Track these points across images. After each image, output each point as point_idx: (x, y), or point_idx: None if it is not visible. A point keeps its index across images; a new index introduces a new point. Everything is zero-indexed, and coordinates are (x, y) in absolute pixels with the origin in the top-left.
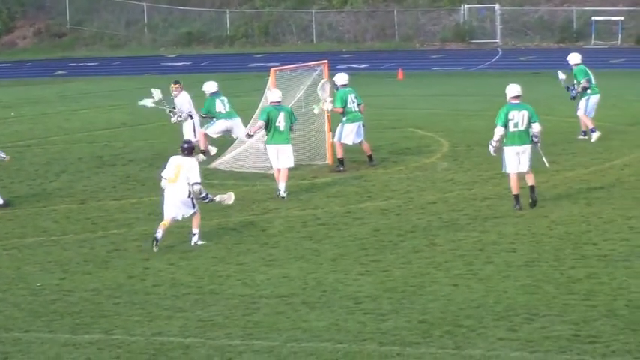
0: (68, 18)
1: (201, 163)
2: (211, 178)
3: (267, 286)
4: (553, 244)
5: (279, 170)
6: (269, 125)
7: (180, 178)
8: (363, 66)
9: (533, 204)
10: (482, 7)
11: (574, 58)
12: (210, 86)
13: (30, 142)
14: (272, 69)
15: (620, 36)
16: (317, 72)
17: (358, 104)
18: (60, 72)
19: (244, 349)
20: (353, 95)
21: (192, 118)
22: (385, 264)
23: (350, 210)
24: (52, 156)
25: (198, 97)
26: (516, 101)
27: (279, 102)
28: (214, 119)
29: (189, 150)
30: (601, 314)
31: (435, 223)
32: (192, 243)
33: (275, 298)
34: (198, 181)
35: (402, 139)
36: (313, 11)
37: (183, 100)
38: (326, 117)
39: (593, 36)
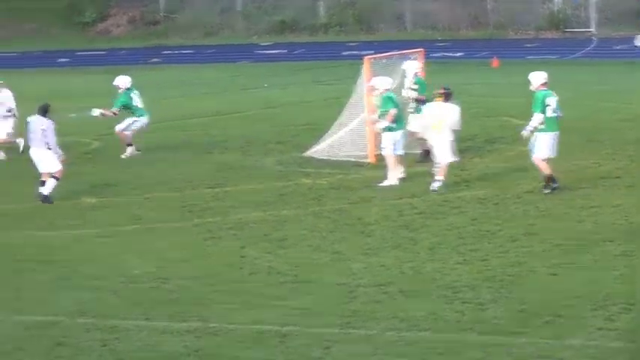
0: (161, 6)
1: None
2: (306, 166)
3: (364, 275)
4: None
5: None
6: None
7: None
8: (458, 54)
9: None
10: None
11: None
12: (124, 81)
13: None
14: (366, 57)
15: None
16: (411, 59)
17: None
18: (154, 60)
19: (342, 338)
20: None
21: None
22: (483, 253)
23: (447, 199)
24: (147, 144)
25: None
26: (545, 88)
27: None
28: (134, 116)
29: None
30: None
31: (532, 212)
32: None
33: (372, 287)
34: None
35: (496, 128)
36: None
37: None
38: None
39: None
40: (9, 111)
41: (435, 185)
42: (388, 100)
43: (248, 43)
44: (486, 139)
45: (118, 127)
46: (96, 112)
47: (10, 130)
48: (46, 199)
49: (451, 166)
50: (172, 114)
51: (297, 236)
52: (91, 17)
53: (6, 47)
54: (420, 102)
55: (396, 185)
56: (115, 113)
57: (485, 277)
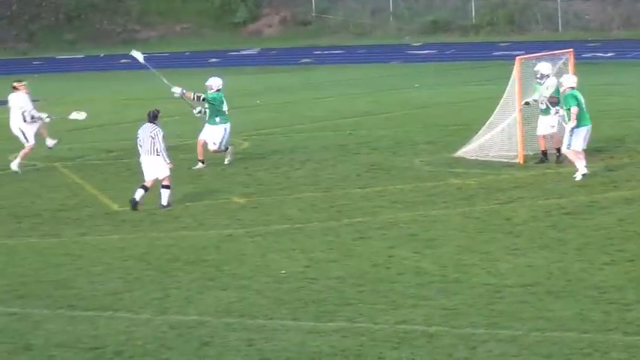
0: (314, 6)
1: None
2: (456, 166)
3: (511, 275)
4: None
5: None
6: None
7: None
8: (609, 55)
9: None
10: None
11: None
12: (217, 82)
13: (274, 130)
14: (517, 58)
15: None
16: (562, 61)
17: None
18: (305, 60)
19: (488, 338)
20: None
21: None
22: (630, 254)
23: (595, 199)
24: (296, 144)
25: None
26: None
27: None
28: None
29: None
30: None
31: None
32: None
33: (519, 287)
34: None
35: None
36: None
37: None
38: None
39: None
40: (32, 117)
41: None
42: (572, 98)
43: (399, 43)
44: (637, 140)
45: (213, 147)
46: (177, 90)
47: (32, 133)
48: (162, 207)
49: (599, 167)
50: (323, 114)
51: (446, 236)
52: (242, 18)
53: (160, 48)
54: (553, 104)
55: (586, 175)
56: (197, 98)
57: (632, 277)
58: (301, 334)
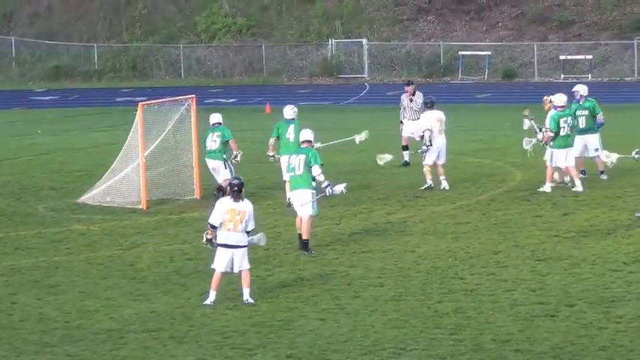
0: None
1: None
2: (79, 212)
3: (135, 321)
4: (420, 279)
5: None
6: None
7: None
8: (231, 100)
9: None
10: (349, 41)
11: None
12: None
13: None
14: (140, 103)
15: (487, 71)
16: (184, 106)
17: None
18: None
19: None
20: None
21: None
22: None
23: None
24: None
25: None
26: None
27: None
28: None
29: None
30: (468, 348)
31: (303, 257)
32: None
33: (143, 333)
34: None
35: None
36: (181, 45)
37: None
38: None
39: (460, 71)
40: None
41: None
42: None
43: (23, 89)
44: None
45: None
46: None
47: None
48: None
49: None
50: None
51: (69, 282)
52: None
53: None
54: None
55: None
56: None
57: (255, 322)
58: None
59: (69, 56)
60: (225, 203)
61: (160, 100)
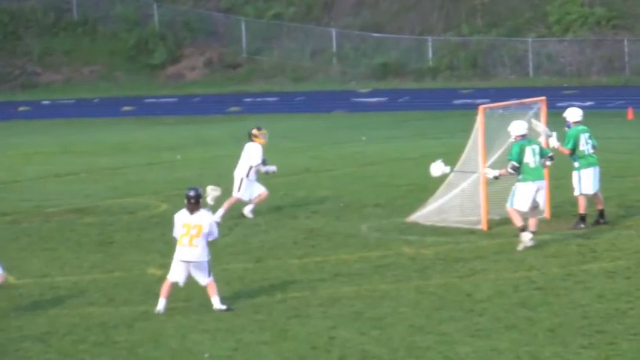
0: (244, 46)
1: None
2: (408, 232)
3: None
4: None
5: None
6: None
7: None
8: (588, 104)
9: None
10: None
11: None
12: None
13: None
14: (480, 106)
15: None
16: (533, 110)
17: (593, 146)
18: (234, 108)
19: None
20: (587, 135)
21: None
22: (611, 336)
23: (571, 272)
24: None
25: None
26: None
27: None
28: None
29: None
30: None
31: None
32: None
33: None
34: None
35: (631, 190)
36: (530, 39)
37: None
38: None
39: None
40: None
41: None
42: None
43: (344, 89)
44: (618, 204)
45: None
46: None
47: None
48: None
49: (576, 235)
50: None
51: (396, 315)
52: (160, 59)
53: (63, 94)
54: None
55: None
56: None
57: None
58: None
59: (398, 51)
60: (180, 217)
61: (505, 103)
